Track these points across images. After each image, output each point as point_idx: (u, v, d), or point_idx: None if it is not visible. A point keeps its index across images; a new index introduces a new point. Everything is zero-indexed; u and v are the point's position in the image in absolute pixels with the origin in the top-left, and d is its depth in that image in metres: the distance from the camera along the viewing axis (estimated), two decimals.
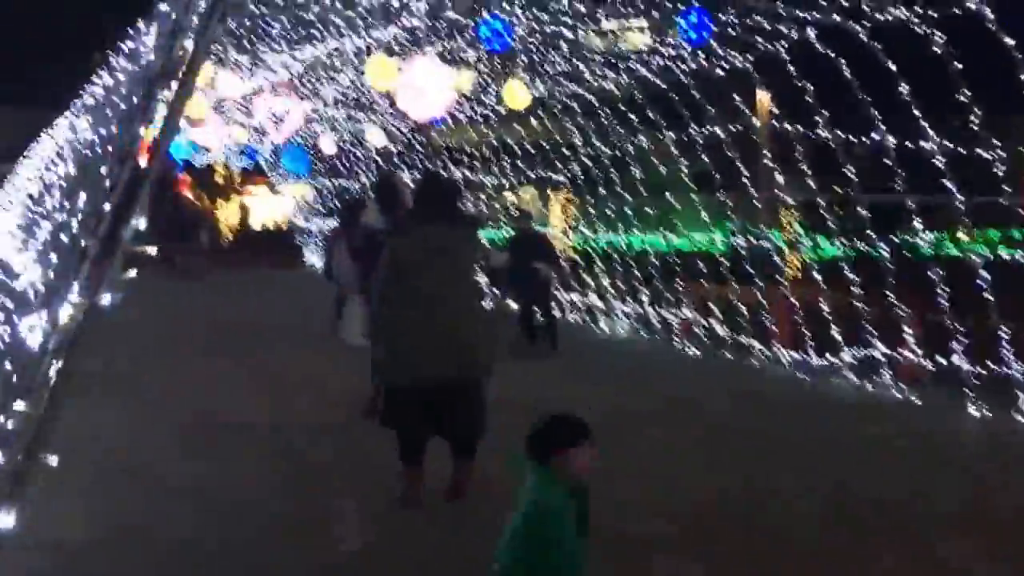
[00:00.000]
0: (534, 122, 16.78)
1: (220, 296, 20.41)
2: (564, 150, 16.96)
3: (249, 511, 5.97)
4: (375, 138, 18.95)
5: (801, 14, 10.60)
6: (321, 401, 9.27)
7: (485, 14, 9.62)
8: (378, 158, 21.68)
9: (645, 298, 14.54)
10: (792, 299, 11.47)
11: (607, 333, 14.85)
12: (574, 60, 13.01)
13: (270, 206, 38.19)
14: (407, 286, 6.04)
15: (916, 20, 8.44)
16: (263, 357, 12.02)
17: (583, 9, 10.94)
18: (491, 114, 17.51)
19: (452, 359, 6.02)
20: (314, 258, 27.41)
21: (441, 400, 6.08)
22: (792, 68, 10.65)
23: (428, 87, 9.89)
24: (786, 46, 10.82)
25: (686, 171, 13.67)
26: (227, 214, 40.78)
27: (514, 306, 13.23)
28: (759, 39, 11.15)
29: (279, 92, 15.87)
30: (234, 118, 19.94)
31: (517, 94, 12.19)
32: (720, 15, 10.46)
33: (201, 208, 37.51)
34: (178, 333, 14.37)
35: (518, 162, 18.34)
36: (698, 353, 12.73)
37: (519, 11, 10.16)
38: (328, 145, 20.34)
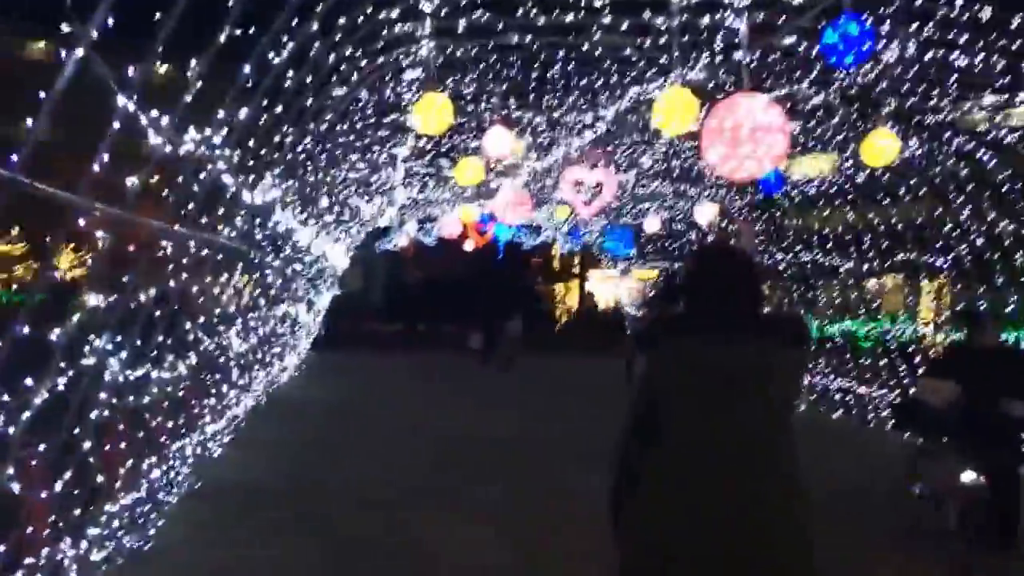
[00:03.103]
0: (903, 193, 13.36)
1: (518, 389, 18.51)
2: (942, 226, 13.35)
3: None
4: (704, 214, 16.17)
5: None
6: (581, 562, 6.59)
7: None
8: (710, 239, 18.85)
9: None
10: None
11: None
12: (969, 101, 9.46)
13: (612, 290, 36.59)
14: (672, 439, 3.40)
15: None
16: (540, 482, 9.65)
17: None
18: (847, 184, 14.25)
19: (750, 566, 3.27)
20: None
21: None
22: None
23: (747, 135, 7.07)
24: None
25: None
26: (565, 297, 39.83)
27: (967, 477, 7.13)
28: None
29: (591, 161, 13.72)
30: (556, 196, 18.16)
31: (881, 148, 8.94)
32: None
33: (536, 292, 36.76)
34: (451, 439, 12.42)
35: (883, 243, 14.84)
36: None
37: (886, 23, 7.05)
38: (652, 223, 17.89)
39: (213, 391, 8.92)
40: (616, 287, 33.69)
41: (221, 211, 5.47)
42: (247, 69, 4.48)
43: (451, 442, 12.26)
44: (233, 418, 11.01)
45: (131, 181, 3.57)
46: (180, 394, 7.08)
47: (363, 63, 6.82)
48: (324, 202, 11.45)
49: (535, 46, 7.47)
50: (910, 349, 14.57)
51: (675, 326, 3.67)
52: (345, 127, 8.68)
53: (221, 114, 4.44)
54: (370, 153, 11.63)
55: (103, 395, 4.65)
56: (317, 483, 9.57)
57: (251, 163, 5.78)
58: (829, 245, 16.14)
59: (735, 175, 7.56)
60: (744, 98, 7.38)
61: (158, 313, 5.24)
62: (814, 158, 15.47)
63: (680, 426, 3.38)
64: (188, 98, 3.81)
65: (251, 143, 5.63)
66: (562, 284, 40.67)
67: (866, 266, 15.78)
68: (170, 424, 7.13)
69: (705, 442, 3.34)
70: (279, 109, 5.67)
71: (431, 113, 7.00)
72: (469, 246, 26.23)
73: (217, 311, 7.44)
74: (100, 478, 5.63)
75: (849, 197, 14.83)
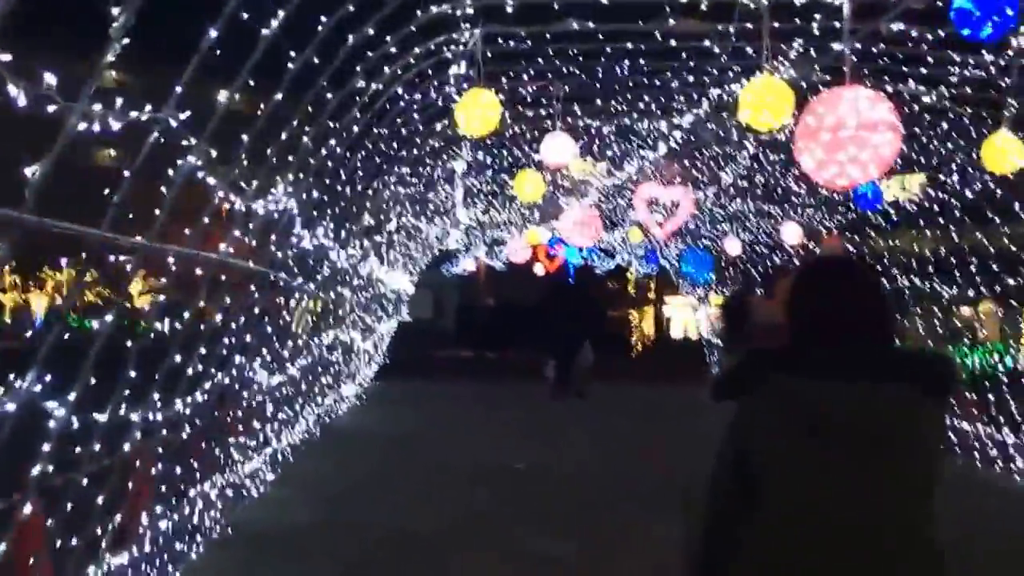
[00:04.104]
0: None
1: (590, 421, 17.35)
2: None
3: None
4: (791, 235, 14.86)
5: None
6: None
7: None
8: (796, 261, 17.53)
9: None
10: None
11: None
12: None
13: (691, 316, 35.22)
14: (774, 510, 2.67)
15: None
16: (610, 529, 8.56)
17: None
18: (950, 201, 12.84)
19: None
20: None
21: None
22: None
23: (851, 135, 5.94)
24: None
25: None
26: (640, 323, 38.61)
27: None
28: None
29: (666, 177, 12.65)
30: (629, 216, 17.04)
31: (1005, 153, 7.66)
32: None
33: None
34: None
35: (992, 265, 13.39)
36: None
37: None
38: (733, 245, 16.63)
39: (241, 428, 8.06)
40: (695, 313, 32.42)
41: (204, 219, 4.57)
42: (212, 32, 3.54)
43: (515, 480, 11.21)
44: (273, 454, 10.16)
45: (31, 171, 2.67)
46: (185, 437, 6.17)
47: (393, 50, 5.87)
48: (368, 219, 10.53)
49: (599, 35, 6.41)
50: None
51: (779, 363, 2.73)
52: (385, 131, 7.73)
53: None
54: (422, 166, 10.68)
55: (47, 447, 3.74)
56: (362, 526, 8.63)
57: (245, 160, 4.85)
58: (930, 268, 14.74)
59: (836, 183, 6.44)
60: (847, 91, 6.26)
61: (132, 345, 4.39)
62: (900, 179, 14.17)
63: (785, 494, 2.62)
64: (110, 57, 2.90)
65: (245, 136, 4.72)
66: (637, 310, 39.42)
67: (971, 291, 14.37)
68: (178, 469, 6.24)
69: (820, 516, 2.56)
70: (279, 96, 4.72)
71: (475, 111, 6.02)
72: (539, 270, 25.29)
73: (231, 340, 6.54)
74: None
75: (956, 215, 13.44)
